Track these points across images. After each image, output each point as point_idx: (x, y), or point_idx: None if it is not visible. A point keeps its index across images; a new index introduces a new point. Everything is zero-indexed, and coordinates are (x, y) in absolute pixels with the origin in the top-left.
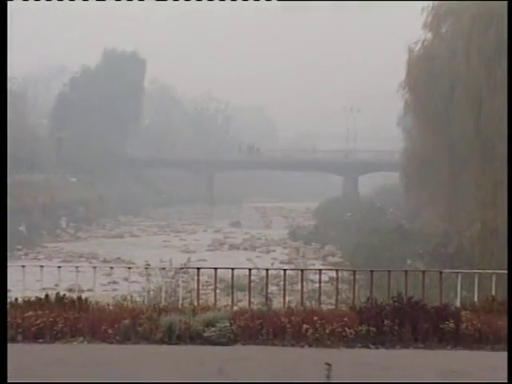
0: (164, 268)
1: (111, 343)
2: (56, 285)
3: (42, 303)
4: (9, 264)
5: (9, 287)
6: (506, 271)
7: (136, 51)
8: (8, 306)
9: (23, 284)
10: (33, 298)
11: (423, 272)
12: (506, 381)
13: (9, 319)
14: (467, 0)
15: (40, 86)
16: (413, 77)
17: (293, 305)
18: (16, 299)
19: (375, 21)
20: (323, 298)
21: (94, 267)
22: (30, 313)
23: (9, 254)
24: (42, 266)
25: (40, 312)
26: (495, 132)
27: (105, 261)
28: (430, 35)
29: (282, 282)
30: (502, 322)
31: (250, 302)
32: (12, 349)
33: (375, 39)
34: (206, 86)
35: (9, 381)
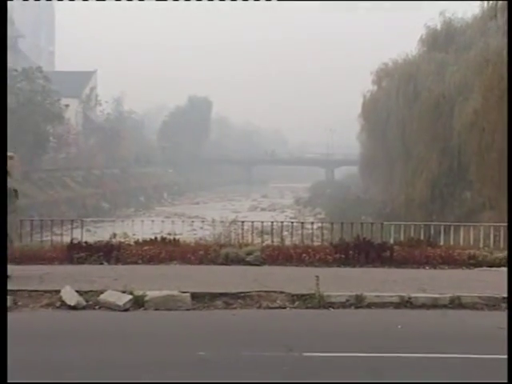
0: (222, 221)
1: (192, 265)
2: (161, 231)
3: (152, 242)
4: (133, 219)
5: (134, 232)
6: (421, 222)
7: (207, 97)
8: (133, 243)
9: (142, 231)
10: (147, 239)
11: (371, 223)
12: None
13: (134, 251)
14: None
15: (151, 116)
16: (365, 111)
17: (297, 242)
18: (138, 239)
19: (343, 81)
20: (314, 238)
21: (183, 221)
22: (146, 247)
23: (133, 213)
24: (152, 221)
25: (151, 247)
26: (413, 143)
27: (189, 217)
28: (375, 87)
29: (290, 229)
30: (417, 252)
31: (272, 241)
32: (137, 268)
33: (344, 86)
34: (247, 116)
35: (9, 381)
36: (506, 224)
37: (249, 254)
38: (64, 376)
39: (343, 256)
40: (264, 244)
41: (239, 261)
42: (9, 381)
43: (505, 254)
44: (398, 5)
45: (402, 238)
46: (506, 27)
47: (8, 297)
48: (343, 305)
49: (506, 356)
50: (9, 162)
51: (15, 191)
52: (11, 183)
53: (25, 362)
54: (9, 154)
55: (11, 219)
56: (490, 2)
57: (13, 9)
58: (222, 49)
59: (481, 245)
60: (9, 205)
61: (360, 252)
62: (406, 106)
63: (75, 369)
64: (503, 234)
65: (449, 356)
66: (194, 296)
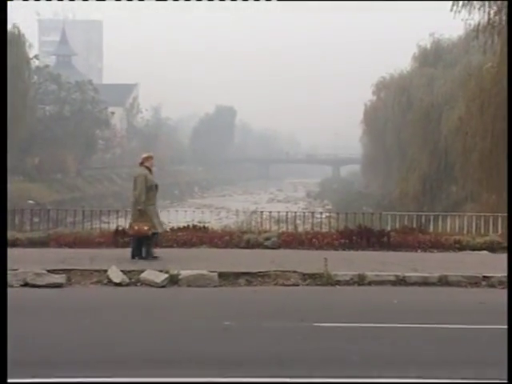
0: (244, 211)
1: (219, 248)
2: (192, 220)
3: (185, 229)
4: (169, 209)
5: (169, 221)
6: (414, 212)
7: (232, 106)
8: (169, 230)
9: (176, 219)
10: (181, 226)
11: (372, 213)
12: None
13: (170, 237)
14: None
15: (184, 122)
16: (366, 118)
17: (308, 229)
18: (173, 226)
19: (347, 90)
20: (323, 226)
21: (211, 211)
22: (180, 233)
23: (169, 204)
24: (185, 211)
25: (184, 233)
26: (407, 145)
27: (216, 208)
28: (374, 97)
29: (302, 218)
30: (411, 238)
31: (287, 228)
32: (172, 251)
33: (349, 96)
34: (267, 122)
35: (9, 380)
36: (486, 214)
37: (267, 239)
38: (110, 340)
39: (347, 241)
40: (280, 231)
41: (259, 245)
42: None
43: (485, 239)
44: (399, 5)
45: (397, 225)
46: (485, 46)
47: (62, 275)
48: (347, 283)
49: (486, 326)
50: (149, 161)
51: (156, 186)
52: (153, 179)
53: (76, 329)
54: (149, 154)
55: (153, 209)
56: (473, 24)
57: (67, 31)
58: (242, 58)
59: (465, 231)
60: (152, 197)
61: (362, 238)
62: (400, 113)
63: (119, 334)
64: (483, 222)
65: (437, 326)
66: (221, 275)
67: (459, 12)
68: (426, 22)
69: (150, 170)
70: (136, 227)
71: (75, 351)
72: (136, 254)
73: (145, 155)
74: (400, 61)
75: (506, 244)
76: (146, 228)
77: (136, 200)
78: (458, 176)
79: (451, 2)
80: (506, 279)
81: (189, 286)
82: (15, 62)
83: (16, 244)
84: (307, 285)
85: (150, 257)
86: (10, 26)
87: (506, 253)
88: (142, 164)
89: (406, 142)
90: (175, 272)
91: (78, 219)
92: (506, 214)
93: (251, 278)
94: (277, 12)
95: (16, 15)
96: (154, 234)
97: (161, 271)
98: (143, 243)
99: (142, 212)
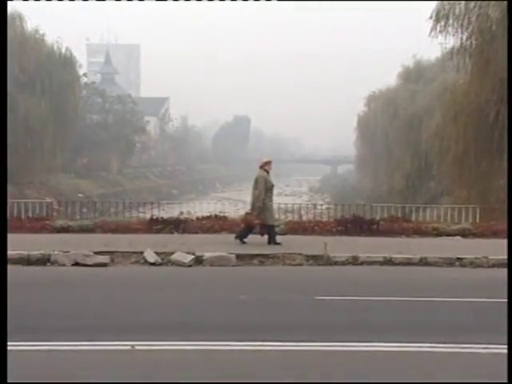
0: None
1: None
2: (214, 210)
3: (208, 217)
4: (195, 202)
5: (195, 211)
6: (398, 204)
7: (247, 115)
8: (195, 219)
9: (201, 210)
10: (205, 215)
11: (363, 205)
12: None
13: (195, 224)
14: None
15: (207, 129)
16: (359, 125)
17: (310, 218)
18: (198, 216)
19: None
20: (323, 215)
21: (230, 203)
22: (204, 221)
23: (195, 198)
24: (208, 203)
25: (208, 221)
26: (393, 148)
27: (234, 200)
28: (366, 108)
29: (306, 209)
30: (396, 226)
31: (293, 217)
32: (197, 236)
33: (345, 107)
34: (276, 128)
35: (9, 381)
36: (459, 206)
37: (276, 226)
38: (145, 310)
39: (344, 228)
40: (287, 220)
41: None
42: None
43: (458, 227)
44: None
45: (385, 215)
46: (458, 66)
47: (107, 256)
48: (344, 263)
49: (459, 299)
50: (268, 165)
51: (272, 186)
52: (271, 180)
53: (120, 300)
54: (268, 159)
55: (271, 205)
56: (448, 47)
57: (111, 53)
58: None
59: (441, 220)
60: (270, 195)
61: (355, 225)
62: (388, 122)
63: (153, 304)
64: (457, 213)
65: (419, 299)
66: (238, 256)
67: (437, 37)
68: (409, 46)
69: (267, 172)
70: (248, 218)
71: (121, 317)
72: (242, 237)
73: (265, 160)
74: (387, 78)
75: (475, 231)
76: (256, 221)
77: (256, 198)
78: (435, 174)
79: (430, 28)
80: (476, 260)
81: (211, 265)
82: (68, 80)
83: (68, 230)
84: (310, 265)
85: (272, 243)
86: (63, 50)
87: (478, 238)
88: (261, 167)
89: (392, 145)
90: (200, 254)
91: (119, 210)
92: (476, 206)
93: (263, 258)
94: (276, 20)
95: (68, 40)
96: (271, 226)
97: (188, 253)
98: (250, 232)
99: (261, 208)
